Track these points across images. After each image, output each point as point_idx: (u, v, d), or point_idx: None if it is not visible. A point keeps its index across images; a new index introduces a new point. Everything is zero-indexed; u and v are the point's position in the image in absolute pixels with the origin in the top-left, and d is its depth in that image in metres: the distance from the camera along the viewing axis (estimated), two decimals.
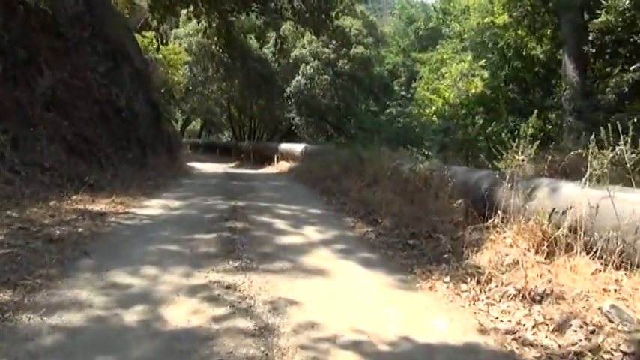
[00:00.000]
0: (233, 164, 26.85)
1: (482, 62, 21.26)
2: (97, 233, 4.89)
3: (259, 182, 10.73)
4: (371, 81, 29.78)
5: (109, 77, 10.65)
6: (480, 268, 3.87)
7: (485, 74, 19.98)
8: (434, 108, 18.16)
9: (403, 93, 37.08)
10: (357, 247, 4.90)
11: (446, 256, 4.31)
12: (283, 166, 20.06)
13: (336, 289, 3.62)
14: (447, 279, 3.81)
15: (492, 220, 4.44)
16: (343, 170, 9.48)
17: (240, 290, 3.43)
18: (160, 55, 20.08)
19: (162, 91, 22.40)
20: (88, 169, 8.33)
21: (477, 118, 10.27)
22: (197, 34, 25.54)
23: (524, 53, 9.81)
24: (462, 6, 33.85)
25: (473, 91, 17.42)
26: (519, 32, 10.99)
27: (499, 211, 4.45)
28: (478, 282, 3.62)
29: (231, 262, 4.06)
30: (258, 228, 5.47)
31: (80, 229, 4.92)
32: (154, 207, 6.62)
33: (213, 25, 18.40)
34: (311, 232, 5.40)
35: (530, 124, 4.90)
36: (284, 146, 22.73)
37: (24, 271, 3.50)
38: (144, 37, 18.09)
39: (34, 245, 4.21)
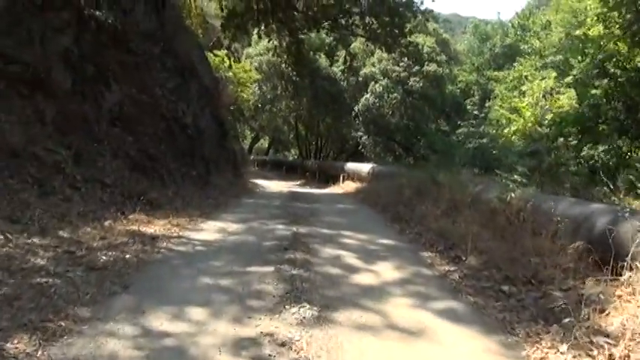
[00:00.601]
0: (298, 182, 26.57)
1: (569, 79, 19.67)
2: (144, 261, 4.42)
3: (324, 204, 10.09)
4: (443, 100, 28.60)
5: (177, 94, 10.54)
6: (608, 336, 2.94)
7: (573, 92, 18.38)
8: (514, 128, 16.85)
9: (476, 112, 35.41)
10: (439, 291, 4.08)
11: (557, 313, 3.40)
12: (349, 186, 19.40)
13: (419, 355, 2.84)
14: (564, 348, 2.91)
15: (619, 270, 3.47)
16: (416, 194, 8.63)
17: (295, 350, 2.74)
18: (231, 73, 20.25)
19: (231, 108, 22.68)
20: (149, 186, 8.09)
21: (569, 139, 9.06)
22: (267, 53, 25.77)
23: (628, 66, 8.53)
24: (542, 21, 32.06)
25: (560, 109, 15.96)
26: (619, 43, 9.70)
27: (627, 259, 3.48)
28: (610, 358, 2.70)
29: (287, 308, 3.38)
30: (321, 261, 4.78)
31: (128, 255, 4.48)
32: (210, 230, 6.14)
33: (284, 43, 18.29)
34: (382, 269, 4.63)
35: None
36: (350, 165, 22.13)
37: (50, 310, 3.02)
38: (215, 55, 18.28)
39: (73, 274, 3.77)
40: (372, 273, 4.49)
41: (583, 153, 8.70)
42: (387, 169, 16.08)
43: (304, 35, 18.00)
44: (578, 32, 12.65)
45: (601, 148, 8.22)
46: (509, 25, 34.21)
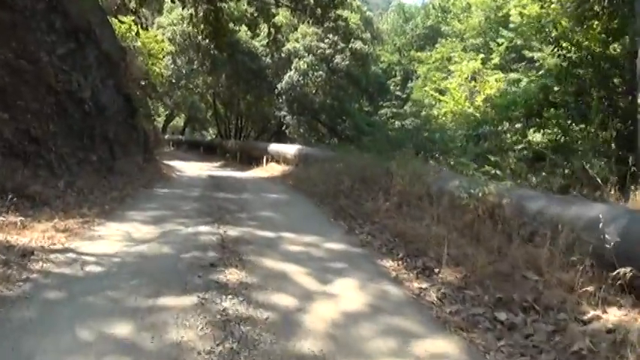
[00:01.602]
0: (218, 164, 24.90)
1: (495, 60, 19.70)
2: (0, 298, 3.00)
3: (252, 194, 8.82)
4: (367, 80, 27.99)
5: (70, 62, 8.67)
6: None
7: (500, 75, 18.38)
8: (443, 109, 16.50)
9: (398, 93, 35.51)
10: (419, 323, 3.10)
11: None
12: (274, 169, 18.26)
13: None
14: None
15: None
16: (359, 183, 7.67)
17: None
18: (140, 43, 18.02)
19: (141, 83, 20.42)
20: (30, 177, 6.40)
21: (515, 123, 8.54)
22: (182, 23, 23.55)
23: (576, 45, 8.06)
24: (462, 4, 32.42)
25: (491, 91, 15.78)
26: (563, 23, 9.30)
27: None
28: None
29: None
30: (262, 282, 3.63)
31: None
32: (109, 237, 4.72)
33: (200, 11, 16.47)
34: (341, 290, 3.58)
35: None
36: (274, 147, 20.94)
37: None
38: (121, 22, 16.00)
39: None
40: (330, 299, 3.41)
41: (528, 138, 8.17)
42: (317, 152, 15.07)
43: (223, 3, 16.29)
44: (513, 12, 12.12)
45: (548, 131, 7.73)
46: (431, 6, 34.31)
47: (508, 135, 8.47)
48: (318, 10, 14.33)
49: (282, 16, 20.09)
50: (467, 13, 31.13)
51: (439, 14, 33.25)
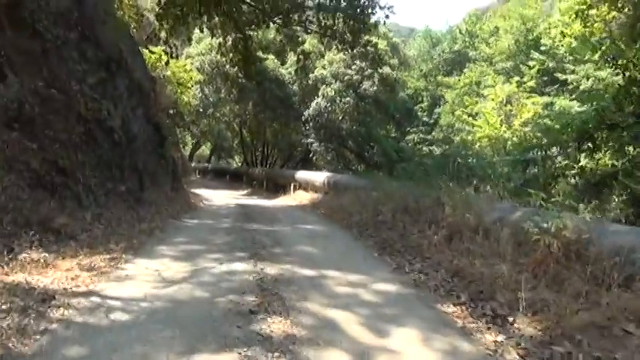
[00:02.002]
0: (244, 192, 24.70)
1: (530, 83, 19.11)
2: (11, 357, 2.58)
3: (285, 224, 8.36)
4: (394, 106, 27.62)
5: (100, 90, 8.52)
6: None
7: (538, 98, 17.74)
8: (479, 134, 15.94)
9: (425, 119, 35.03)
10: None
11: None
12: (302, 197, 17.84)
13: None
14: None
15: None
16: (398, 213, 7.15)
17: None
18: (169, 73, 18.12)
19: (170, 112, 20.51)
20: (57, 209, 6.11)
21: (567, 147, 7.94)
22: (210, 52, 23.78)
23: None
24: (489, 28, 32.07)
25: (529, 115, 15.17)
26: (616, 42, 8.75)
27: None
28: None
29: None
30: (311, 334, 3.13)
31: None
32: (138, 276, 4.31)
33: (229, 40, 16.49)
34: (402, 345, 3.06)
35: None
36: (302, 174, 20.55)
37: None
38: (151, 52, 16.13)
39: None
40: (392, 356, 2.89)
41: (581, 163, 7.55)
42: (347, 180, 14.62)
43: (252, 31, 16.27)
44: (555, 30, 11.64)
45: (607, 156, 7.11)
46: (457, 31, 34.04)
47: (558, 159, 7.87)
48: (348, 36, 14.09)
49: (309, 43, 20.02)
50: (495, 37, 30.80)
51: (466, 39, 32.96)
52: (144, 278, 4.24)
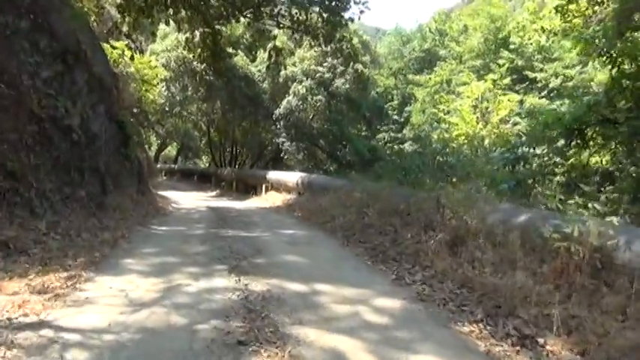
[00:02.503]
0: (214, 193, 23.88)
1: (506, 80, 19.03)
2: None
3: (263, 229, 7.75)
4: (365, 104, 27.28)
5: (56, 86, 7.72)
6: None
7: (514, 95, 17.64)
8: (455, 132, 15.68)
9: (395, 117, 34.89)
10: None
11: None
12: (275, 198, 17.26)
13: None
14: None
15: None
16: (386, 215, 6.68)
17: None
18: (133, 69, 17.19)
19: (134, 111, 19.57)
20: (6, 218, 5.36)
21: (555, 144, 7.63)
22: (177, 49, 22.83)
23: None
24: (459, 27, 32.16)
25: (505, 112, 15.01)
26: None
27: None
28: None
29: None
30: None
31: None
32: (100, 299, 3.66)
33: (197, 34, 15.71)
34: None
35: None
36: (273, 175, 19.94)
37: None
38: (113, 47, 15.19)
39: None
40: None
41: (572, 160, 7.27)
42: (322, 179, 14.13)
43: (221, 26, 15.54)
44: (536, 25, 11.47)
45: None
46: (427, 29, 34.03)
47: (547, 157, 7.56)
48: (322, 31, 13.58)
49: (279, 40, 19.39)
50: (464, 35, 30.88)
51: (436, 37, 32.96)
52: (108, 301, 3.60)
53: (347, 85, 23.18)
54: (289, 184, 17.36)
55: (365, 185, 9.36)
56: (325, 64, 23.31)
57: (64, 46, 8.10)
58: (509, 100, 15.41)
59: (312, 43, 14.70)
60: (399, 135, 35.99)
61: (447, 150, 11.63)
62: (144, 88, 18.52)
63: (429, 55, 33.35)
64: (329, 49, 15.07)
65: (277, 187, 18.98)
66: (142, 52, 18.11)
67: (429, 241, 5.10)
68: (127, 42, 14.49)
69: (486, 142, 13.55)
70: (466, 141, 14.07)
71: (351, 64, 21.82)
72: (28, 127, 6.72)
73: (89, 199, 7.54)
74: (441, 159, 11.11)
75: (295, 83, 23.23)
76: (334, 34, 13.64)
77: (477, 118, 15.19)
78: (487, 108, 15.38)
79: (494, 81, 17.11)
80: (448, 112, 18.17)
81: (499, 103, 15.06)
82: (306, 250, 5.88)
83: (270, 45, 15.71)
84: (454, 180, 10.64)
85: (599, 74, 21.95)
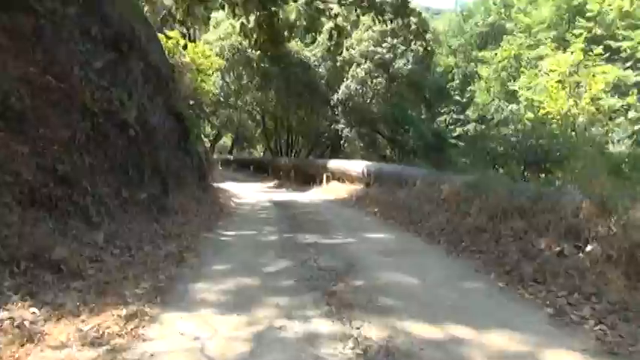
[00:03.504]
0: (272, 184, 23.15)
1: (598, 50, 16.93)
2: None
3: (344, 232, 6.66)
4: (426, 84, 25.59)
5: (110, 76, 6.96)
6: None
7: (609, 66, 15.62)
8: (542, 111, 13.96)
9: (457, 98, 32.89)
10: None
11: None
12: (339, 189, 16.21)
13: None
14: None
15: None
16: (499, 215, 5.44)
17: None
18: (188, 58, 16.56)
19: (191, 102, 19.06)
20: (59, 232, 4.59)
21: None
22: (230, 37, 22.16)
23: None
24: None
25: (600, 87, 13.18)
26: None
27: None
28: None
29: None
30: None
31: None
32: (168, 355, 2.71)
33: (252, 18, 14.81)
34: None
35: None
36: (335, 164, 18.88)
37: None
38: (167, 37, 14.54)
39: None
40: None
41: None
42: (393, 169, 12.92)
43: (278, 7, 14.53)
44: None
45: None
46: (491, 2, 31.63)
47: None
48: (389, 6, 12.33)
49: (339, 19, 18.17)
50: (533, 5, 28.35)
51: (501, 9, 30.54)
52: (179, 358, 2.65)
53: (409, 66, 21.68)
54: (353, 174, 16.29)
55: (452, 177, 8.13)
56: (385, 45, 21.90)
57: (117, 32, 7.32)
58: (604, 72, 13.50)
59: (377, 20, 13.36)
60: (461, 117, 34.03)
61: (543, 131, 10.10)
62: (199, 78, 17.88)
63: (493, 29, 31.02)
64: (395, 25, 13.70)
65: (339, 176, 17.96)
66: (195, 40, 17.43)
67: (582, 256, 3.85)
68: (181, 29, 13.79)
69: (580, 120, 11.84)
70: (554, 120, 12.37)
71: (415, 42, 20.25)
72: (81, 123, 5.96)
73: (150, 201, 6.76)
74: (535, 142, 9.65)
75: (354, 66, 22.00)
76: (403, 8, 12.34)
77: (567, 94, 13.41)
78: (578, 83, 13.54)
79: (584, 51, 15.11)
80: (529, 88, 16.36)
81: (593, 77, 13.19)
82: (408, 264, 4.75)
83: (330, 24, 14.60)
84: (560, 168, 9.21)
85: None
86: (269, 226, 7.44)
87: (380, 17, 13.18)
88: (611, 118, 11.54)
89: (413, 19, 13.61)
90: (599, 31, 22.87)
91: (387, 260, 4.92)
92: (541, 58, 19.81)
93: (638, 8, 22.19)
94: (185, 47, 13.84)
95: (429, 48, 15.09)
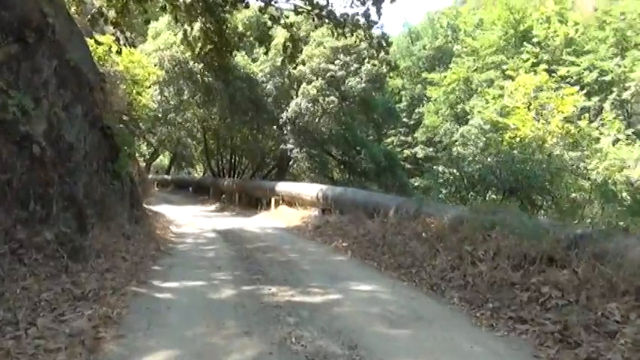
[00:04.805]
0: (214, 207, 21.30)
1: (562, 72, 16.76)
2: None
3: (322, 284, 5.10)
4: (376, 105, 24.80)
5: (8, 74, 5.21)
6: None
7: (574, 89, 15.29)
8: (507, 134, 13.24)
9: (405, 120, 32.56)
10: None
11: None
12: (289, 215, 14.79)
13: None
14: None
15: None
16: (521, 262, 4.21)
17: None
18: (122, 67, 14.65)
19: (125, 118, 17.01)
20: None
21: None
22: (171, 47, 20.34)
23: None
24: (473, 21, 29.91)
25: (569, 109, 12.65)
26: None
27: None
28: None
29: None
30: None
31: None
32: None
33: (196, 26, 13.28)
34: None
35: None
36: (285, 186, 17.49)
37: None
38: (97, 42, 12.62)
39: None
40: None
41: None
42: (353, 194, 11.63)
43: (227, 14, 13.07)
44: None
45: None
46: (438, 25, 31.75)
47: None
48: (356, 19, 11.28)
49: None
50: (480, 29, 28.59)
51: (448, 33, 30.67)
52: None
53: (362, 84, 20.73)
54: (306, 199, 14.94)
55: (438, 205, 6.93)
56: (337, 62, 20.88)
57: (22, 17, 5.57)
58: (571, 94, 13.06)
59: (337, 32, 12.21)
60: (409, 139, 33.71)
61: (521, 156, 9.19)
62: (135, 90, 15.93)
63: (440, 52, 31.06)
64: (356, 37, 12.61)
65: (289, 201, 16.55)
66: (131, 46, 15.51)
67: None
68: (114, 32, 11.94)
69: (550, 143, 11.16)
70: (524, 144, 11.64)
71: (377, 55, 19.23)
72: None
73: (59, 243, 4.98)
74: (520, 167, 8.70)
75: (304, 84, 20.77)
76: (366, 18, 11.31)
77: (532, 117, 12.81)
78: (543, 105, 12.98)
79: (551, 71, 14.73)
80: (481, 110, 15.77)
81: (560, 99, 12.68)
82: (430, 344, 3.35)
83: (284, 34, 13.28)
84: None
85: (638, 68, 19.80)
86: (220, 272, 5.80)
87: (340, 29, 12.07)
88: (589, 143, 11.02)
89: (375, 33, 12.58)
90: (545, 57, 23.17)
91: (400, 336, 3.50)
92: (492, 81, 19.52)
93: (583, 35, 22.68)
94: (119, 53, 11.98)
95: (391, 63, 14.06)
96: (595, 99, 19.62)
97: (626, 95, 18.18)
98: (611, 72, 20.21)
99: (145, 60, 17.45)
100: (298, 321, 3.74)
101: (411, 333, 3.56)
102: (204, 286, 5.01)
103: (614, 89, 19.32)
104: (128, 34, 15.23)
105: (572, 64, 21.83)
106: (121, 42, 12.18)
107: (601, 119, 15.95)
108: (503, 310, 3.82)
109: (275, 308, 4.12)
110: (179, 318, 3.86)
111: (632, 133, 15.72)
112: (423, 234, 6.18)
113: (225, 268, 6.03)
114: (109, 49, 12.96)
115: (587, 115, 16.05)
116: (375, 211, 8.87)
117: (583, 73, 21.20)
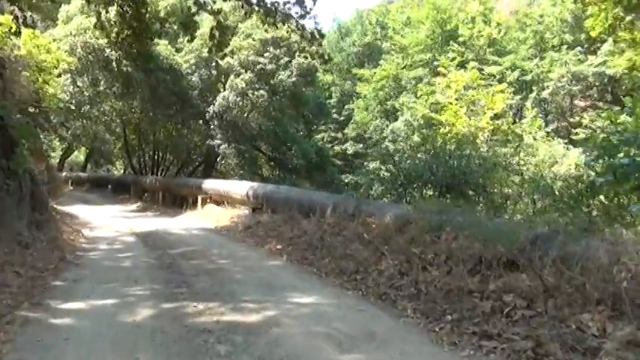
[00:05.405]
0: (134, 207, 19.89)
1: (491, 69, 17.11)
2: None
3: (256, 295, 4.49)
4: (307, 100, 24.34)
5: None
6: None
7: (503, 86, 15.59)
8: (443, 130, 13.19)
9: (335, 116, 32.45)
10: None
11: None
12: (218, 214, 14.00)
13: None
14: None
15: None
16: (479, 266, 3.84)
17: None
18: (24, 51, 13.06)
19: (31, 110, 15.36)
20: None
21: None
22: (84, 33, 18.58)
23: None
24: (402, 19, 30.32)
25: (500, 106, 12.84)
26: None
27: None
28: None
29: None
30: None
31: None
32: None
33: (112, 9, 12.05)
34: None
35: None
36: (212, 184, 16.62)
37: None
38: None
39: None
40: None
41: None
42: (287, 192, 11.07)
43: None
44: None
45: None
46: (367, 22, 31.88)
47: None
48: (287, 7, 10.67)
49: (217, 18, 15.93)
50: (408, 28, 29.01)
51: (377, 30, 30.87)
52: None
53: (293, 78, 20.15)
54: (235, 197, 14.22)
55: (378, 204, 6.53)
56: (267, 55, 20.13)
57: None
58: (501, 91, 13.30)
59: (267, 22, 11.55)
60: (339, 135, 33.65)
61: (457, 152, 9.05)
62: (41, 79, 14.30)
63: (369, 49, 31.20)
64: (287, 28, 11.99)
65: (217, 199, 15.71)
66: (34, 25, 13.86)
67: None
68: (11, 10, 10.47)
69: (481, 139, 11.24)
70: (456, 140, 11.63)
71: (310, 46, 18.67)
72: None
73: None
74: (457, 163, 8.54)
75: (232, 76, 19.83)
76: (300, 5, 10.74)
77: (463, 113, 12.90)
78: (474, 101, 13.12)
79: (479, 69, 14.97)
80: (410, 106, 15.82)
81: (492, 96, 12.85)
82: None
83: (211, 22, 12.37)
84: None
85: (556, 68, 20.87)
86: (137, 286, 4.97)
87: (270, 19, 11.39)
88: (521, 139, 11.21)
89: (307, 25, 12.04)
90: (470, 56, 23.88)
91: None
92: (421, 79, 19.74)
93: (505, 36, 23.55)
94: (17, 34, 10.55)
95: (324, 55, 13.56)
96: (517, 97, 20.40)
97: (544, 94, 19.04)
98: (531, 72, 21.09)
99: (54, 45, 15.75)
100: (230, 350, 3.09)
101: (365, 359, 3.03)
102: (116, 306, 4.19)
103: (534, 88, 20.20)
104: (31, 14, 13.60)
105: (495, 63, 22.65)
106: (20, 21, 10.72)
107: (523, 117, 16.55)
108: (465, 324, 3.40)
109: (202, 333, 3.43)
110: (78, 354, 3.07)
111: (552, 130, 16.45)
112: (365, 235, 5.73)
113: (142, 281, 5.20)
114: (9, 30, 11.41)
115: (510, 112, 16.58)
116: (311, 210, 8.37)
117: (505, 72, 22.05)
